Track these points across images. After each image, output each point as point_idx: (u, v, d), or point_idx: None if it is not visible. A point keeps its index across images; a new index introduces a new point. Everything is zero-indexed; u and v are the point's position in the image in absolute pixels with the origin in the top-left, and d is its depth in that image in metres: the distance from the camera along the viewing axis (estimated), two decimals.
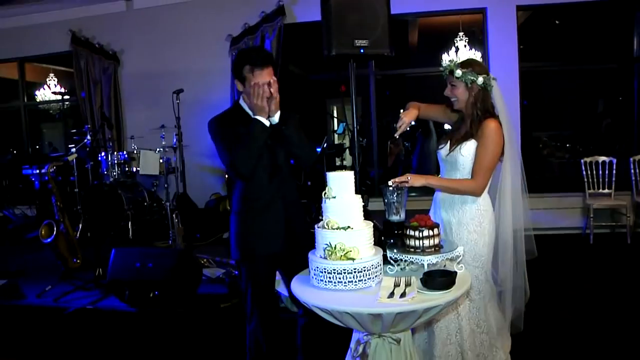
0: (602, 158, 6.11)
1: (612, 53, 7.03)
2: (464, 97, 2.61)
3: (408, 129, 2.81)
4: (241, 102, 2.57)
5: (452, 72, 2.60)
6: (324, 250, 2.06)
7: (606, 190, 6.11)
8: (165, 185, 6.21)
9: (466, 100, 2.61)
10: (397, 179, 2.41)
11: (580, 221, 6.34)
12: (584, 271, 5.00)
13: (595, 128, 8.23)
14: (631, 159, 6.11)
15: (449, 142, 2.69)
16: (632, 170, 6.09)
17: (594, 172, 6.12)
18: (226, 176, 6.27)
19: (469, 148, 2.58)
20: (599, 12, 6.89)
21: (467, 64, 2.62)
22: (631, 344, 3.31)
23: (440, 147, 2.75)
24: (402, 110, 2.76)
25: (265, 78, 2.42)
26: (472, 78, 2.56)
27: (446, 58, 7.59)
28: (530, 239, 2.78)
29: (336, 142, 7.15)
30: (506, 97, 6.84)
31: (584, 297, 4.22)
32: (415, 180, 2.50)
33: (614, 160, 6.07)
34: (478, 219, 2.62)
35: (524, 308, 2.87)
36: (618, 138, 7.41)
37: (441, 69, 2.67)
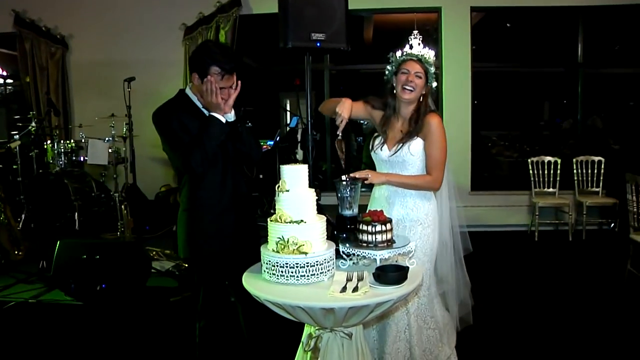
0: (547, 158, 6.33)
1: (559, 57, 7.27)
2: (420, 90, 2.62)
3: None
4: (188, 91, 2.48)
5: (426, 61, 2.62)
6: (276, 244, 2.03)
7: (551, 189, 6.34)
8: (115, 176, 6.05)
9: (419, 94, 2.63)
10: (357, 173, 2.40)
11: (527, 218, 6.55)
12: (529, 267, 5.17)
13: (541, 128, 8.50)
14: (574, 160, 6.35)
15: (385, 142, 2.69)
16: (575, 170, 6.34)
17: (540, 171, 6.34)
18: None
19: (416, 147, 2.60)
20: (548, 17, 7.11)
21: (430, 61, 2.66)
22: (571, 335, 3.45)
23: (375, 148, 2.73)
24: (336, 108, 2.65)
25: (229, 84, 2.39)
26: (434, 75, 2.65)
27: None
28: (465, 236, 2.85)
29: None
30: (458, 96, 7.05)
31: (528, 292, 4.36)
32: (376, 177, 2.53)
33: (559, 161, 6.30)
34: (432, 214, 2.67)
35: (471, 302, 2.94)
36: (562, 139, 7.68)
37: (416, 53, 2.65)
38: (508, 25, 7.89)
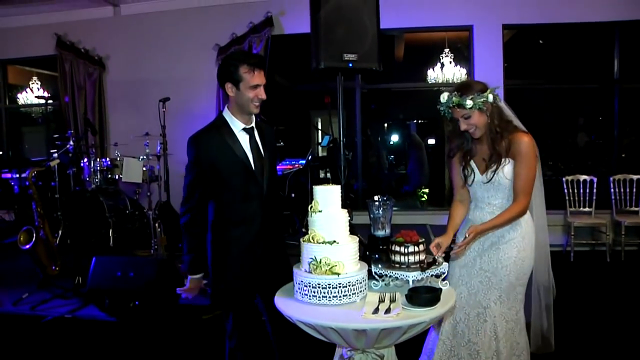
0: (583, 177, 6.20)
1: (594, 74, 7.15)
2: (482, 121, 2.47)
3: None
4: (225, 113, 2.54)
5: (460, 105, 2.43)
6: (309, 265, 2.05)
7: (587, 209, 6.19)
8: (148, 194, 6.15)
9: (485, 122, 2.48)
10: (462, 244, 2.40)
11: (562, 238, 6.40)
12: (565, 288, 5.01)
13: (576, 147, 8.35)
14: (611, 178, 6.21)
15: (473, 172, 2.59)
16: (612, 189, 6.19)
17: (575, 190, 6.21)
18: None
19: (509, 169, 2.49)
20: (582, 33, 7.02)
21: (466, 87, 2.48)
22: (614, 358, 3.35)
23: (469, 182, 2.62)
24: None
25: (263, 80, 2.46)
26: (482, 100, 2.43)
27: (431, 74, 7.65)
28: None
29: (320, 154, 7.17)
30: None
31: (565, 314, 4.24)
32: (472, 241, 2.46)
33: (595, 179, 6.16)
34: (529, 236, 2.56)
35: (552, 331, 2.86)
36: (599, 157, 7.53)
37: (441, 108, 2.51)
38: (540, 42, 7.82)
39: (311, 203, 2.17)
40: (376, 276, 2.23)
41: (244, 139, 2.50)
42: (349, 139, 7.01)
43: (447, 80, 7.52)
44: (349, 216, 2.25)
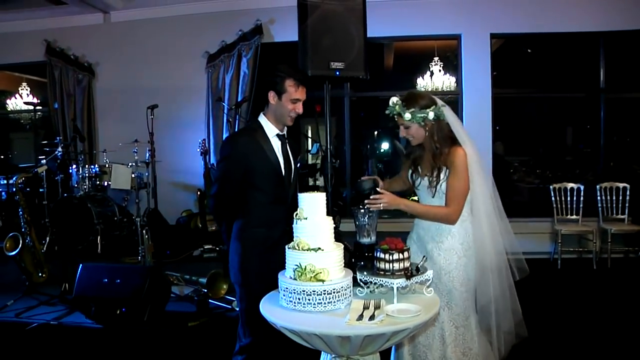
0: (570, 185, 6.26)
1: (580, 83, 7.22)
2: (420, 134, 2.62)
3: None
4: (261, 118, 2.66)
5: (400, 115, 2.59)
6: (294, 271, 2.06)
7: (574, 217, 6.25)
8: (137, 201, 6.13)
9: (423, 136, 2.62)
10: (375, 197, 2.48)
11: (549, 246, 6.45)
12: (552, 295, 5.07)
13: (563, 154, 8.42)
14: (598, 186, 6.26)
15: (422, 175, 2.69)
16: (599, 197, 6.24)
17: (563, 198, 6.27)
18: (198, 192, 6.23)
19: (443, 175, 2.60)
20: (569, 43, 7.09)
21: (411, 99, 2.60)
22: None
23: (415, 179, 2.74)
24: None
25: (304, 96, 2.61)
26: (422, 116, 2.56)
27: (421, 82, 7.72)
28: (520, 260, 2.80)
29: (310, 162, 7.18)
30: (479, 122, 6.99)
31: (551, 321, 4.27)
32: (392, 202, 2.53)
33: (582, 187, 6.22)
34: (467, 242, 2.63)
35: (524, 331, 2.89)
36: (586, 165, 7.59)
37: (387, 111, 2.65)
38: (529, 50, 7.89)
39: (296, 210, 2.19)
40: (361, 283, 2.24)
41: (276, 145, 2.64)
42: (338, 147, 7.04)
43: (436, 88, 7.58)
44: (335, 223, 2.27)
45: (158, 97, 6.30)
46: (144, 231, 5.59)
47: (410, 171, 2.77)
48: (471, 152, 2.60)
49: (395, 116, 2.63)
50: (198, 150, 6.04)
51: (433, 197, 2.63)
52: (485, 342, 2.72)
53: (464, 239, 2.63)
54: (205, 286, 4.67)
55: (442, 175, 2.59)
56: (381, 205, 2.48)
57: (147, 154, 6.13)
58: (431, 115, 2.56)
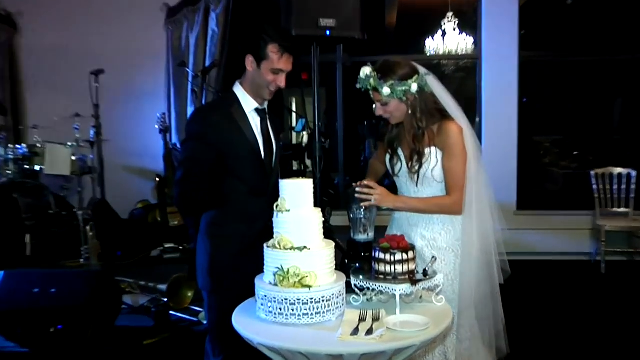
0: (617, 170, 6.21)
1: (633, 43, 7.12)
2: (401, 110, 2.65)
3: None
4: (237, 88, 2.67)
5: (376, 89, 2.61)
6: (275, 275, 2.08)
7: (622, 209, 6.22)
8: (79, 190, 6.12)
9: (404, 112, 2.66)
10: (365, 188, 2.52)
11: (589, 246, 6.48)
12: (594, 306, 5.07)
13: (609, 133, 8.39)
14: None
15: (402, 157, 2.76)
16: None
17: (607, 186, 6.23)
18: (157, 179, 6.23)
19: (438, 165, 2.65)
20: None
21: (387, 69, 2.62)
22: None
23: (394, 164, 2.80)
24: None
25: (289, 67, 2.60)
26: (403, 89, 2.58)
27: (431, 45, 7.71)
28: (503, 262, 2.83)
29: (294, 141, 7.18)
30: (501, 93, 7.00)
31: (592, 337, 4.30)
32: (385, 200, 2.58)
33: (633, 173, 6.17)
34: (469, 244, 2.69)
35: (506, 344, 2.96)
36: (637, 146, 7.56)
37: (358, 85, 2.68)
38: (568, 2, 7.76)
39: (277, 200, 2.22)
40: (356, 290, 2.27)
41: (255, 122, 2.65)
42: (329, 123, 7.04)
43: (449, 51, 7.58)
44: (325, 217, 2.29)
45: (104, 60, 6.25)
46: (88, 227, 5.59)
47: (388, 156, 2.83)
48: (466, 129, 2.66)
49: (371, 91, 2.65)
50: (157, 127, 6.03)
51: (417, 185, 2.70)
52: (487, 355, 2.79)
53: (460, 235, 2.71)
54: (165, 294, 4.68)
55: (424, 160, 2.64)
56: (372, 199, 2.51)
57: (92, 132, 6.10)
58: (414, 87, 2.57)
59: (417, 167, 2.66)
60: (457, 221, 2.71)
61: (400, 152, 2.77)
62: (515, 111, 6.65)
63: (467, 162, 2.64)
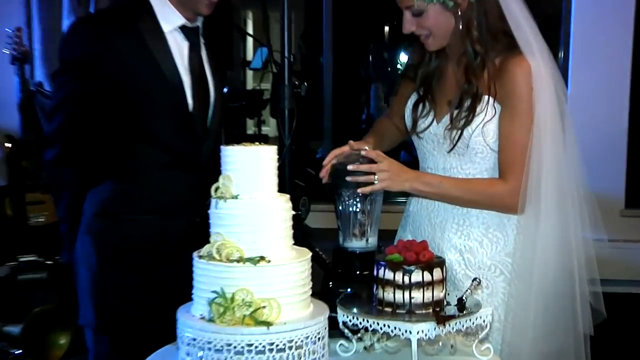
0: None
1: None
2: (444, 27, 2.65)
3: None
4: None
5: None
6: (210, 305, 2.05)
7: None
8: None
9: (450, 29, 2.65)
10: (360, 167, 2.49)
11: None
12: None
13: None
14: None
15: (431, 113, 2.78)
16: None
17: None
18: (7, 144, 6.18)
19: (490, 109, 2.65)
20: None
21: None
22: None
23: (423, 115, 2.81)
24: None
25: None
26: None
27: None
28: (597, 295, 2.82)
29: (249, 86, 7.14)
30: (602, 51, 7.01)
31: None
32: (397, 180, 2.56)
33: None
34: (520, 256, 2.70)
35: None
36: None
37: None
38: None
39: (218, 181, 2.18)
40: (347, 331, 2.27)
41: (179, 48, 2.65)
42: (309, 57, 7.01)
43: None
44: (299, 210, 2.28)
45: None
46: None
47: (413, 101, 2.83)
48: (543, 70, 2.62)
49: None
50: (5, 52, 5.99)
51: (450, 154, 2.70)
52: None
53: (512, 246, 2.72)
54: (19, 342, 4.67)
55: (479, 110, 2.63)
56: (376, 179, 2.49)
57: None
58: None
59: (462, 122, 2.64)
60: (510, 224, 2.72)
61: (432, 97, 2.77)
62: (628, 77, 6.63)
63: (540, 128, 2.62)
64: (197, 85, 2.64)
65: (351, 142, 2.59)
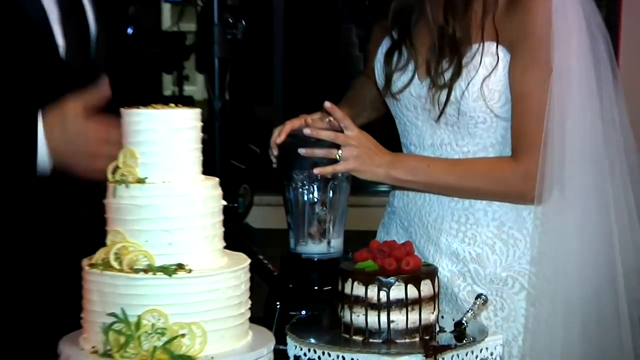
0: None
1: None
2: None
3: None
4: None
5: None
6: (106, 332, 2.04)
7: None
8: None
9: None
10: (319, 133, 2.49)
11: None
12: None
13: None
14: None
15: (413, 60, 2.78)
16: None
17: None
18: None
19: (488, 58, 2.65)
20: None
21: None
22: None
23: (399, 68, 2.81)
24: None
25: None
26: None
27: None
28: None
29: (164, 26, 7.16)
30: None
31: None
32: (368, 161, 2.55)
33: None
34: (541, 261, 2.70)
35: None
36: None
37: None
38: None
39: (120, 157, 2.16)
40: None
41: None
42: None
43: None
44: (234, 203, 2.27)
45: None
46: None
47: (385, 48, 2.86)
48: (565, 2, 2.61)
49: None
50: None
51: (437, 120, 2.70)
52: None
53: (535, 250, 2.71)
54: None
55: (465, 62, 2.64)
56: (339, 156, 2.48)
57: None
58: None
59: (447, 77, 2.63)
60: (528, 218, 2.73)
61: (413, 43, 2.76)
62: None
63: (563, 84, 2.60)
64: (69, 19, 2.60)
65: (305, 116, 2.56)
